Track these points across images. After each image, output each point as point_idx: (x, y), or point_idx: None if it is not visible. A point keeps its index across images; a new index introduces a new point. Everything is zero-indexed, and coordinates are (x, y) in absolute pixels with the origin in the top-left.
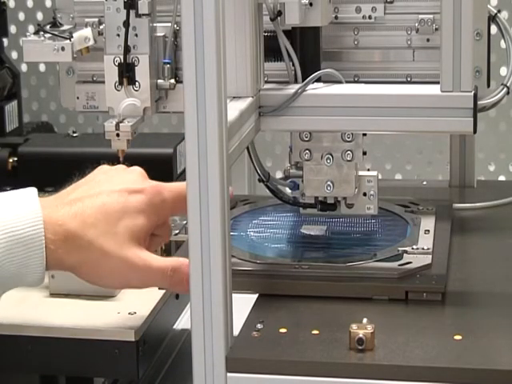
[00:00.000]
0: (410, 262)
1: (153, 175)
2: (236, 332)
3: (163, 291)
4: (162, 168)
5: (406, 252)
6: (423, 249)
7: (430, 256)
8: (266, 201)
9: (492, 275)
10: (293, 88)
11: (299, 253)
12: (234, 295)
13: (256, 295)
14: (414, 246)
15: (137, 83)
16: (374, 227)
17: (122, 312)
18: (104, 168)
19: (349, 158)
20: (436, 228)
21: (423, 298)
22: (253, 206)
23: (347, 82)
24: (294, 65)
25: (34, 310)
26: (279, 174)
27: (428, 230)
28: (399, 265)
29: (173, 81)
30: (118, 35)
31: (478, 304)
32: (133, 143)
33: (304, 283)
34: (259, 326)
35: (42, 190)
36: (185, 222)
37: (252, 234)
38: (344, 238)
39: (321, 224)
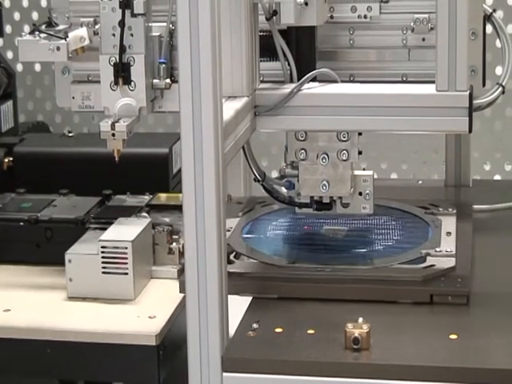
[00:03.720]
0: (434, 265)
1: (148, 175)
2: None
3: (182, 294)
4: (157, 168)
5: (429, 254)
6: (446, 251)
7: (454, 259)
8: None
9: None
10: (288, 87)
11: (321, 255)
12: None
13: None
14: (437, 249)
15: (132, 83)
16: (394, 229)
17: (142, 316)
18: None
19: (344, 158)
20: (457, 230)
21: (448, 301)
22: (271, 208)
23: (343, 81)
24: (289, 64)
25: (53, 313)
26: (275, 174)
27: (450, 232)
28: (423, 267)
29: (168, 80)
30: (114, 35)
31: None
32: (128, 143)
33: (327, 286)
34: (255, 325)
35: (37, 192)
36: None
37: (272, 236)
38: (365, 240)
39: (341, 225)
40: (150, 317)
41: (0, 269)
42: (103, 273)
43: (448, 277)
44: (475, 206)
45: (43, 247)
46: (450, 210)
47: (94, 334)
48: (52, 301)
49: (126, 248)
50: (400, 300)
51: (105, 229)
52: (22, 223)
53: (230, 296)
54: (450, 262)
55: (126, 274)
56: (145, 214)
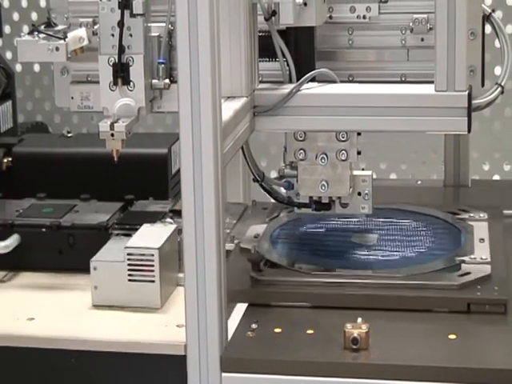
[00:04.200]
0: (469, 273)
1: (147, 175)
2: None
3: None
4: (156, 168)
5: (463, 262)
6: (481, 258)
7: (489, 266)
8: None
9: None
10: (287, 88)
11: (352, 263)
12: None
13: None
14: (472, 256)
15: (131, 83)
16: (426, 236)
17: (170, 325)
18: None
19: (343, 158)
20: (490, 236)
21: (486, 310)
22: (297, 214)
23: (342, 81)
24: (288, 64)
25: (78, 322)
26: (274, 174)
27: (483, 239)
28: (459, 275)
29: (167, 81)
30: (113, 35)
31: None
32: (127, 143)
33: (360, 295)
34: (254, 325)
35: (34, 196)
36: (228, 230)
37: (301, 243)
38: (397, 247)
39: (371, 232)
40: (177, 325)
41: (22, 276)
42: (129, 280)
43: (484, 285)
44: (505, 212)
45: (66, 253)
46: (482, 215)
47: (120, 344)
48: (76, 309)
49: (153, 255)
50: (435, 309)
51: (129, 235)
52: (43, 229)
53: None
54: (486, 270)
55: (153, 281)
56: (169, 219)
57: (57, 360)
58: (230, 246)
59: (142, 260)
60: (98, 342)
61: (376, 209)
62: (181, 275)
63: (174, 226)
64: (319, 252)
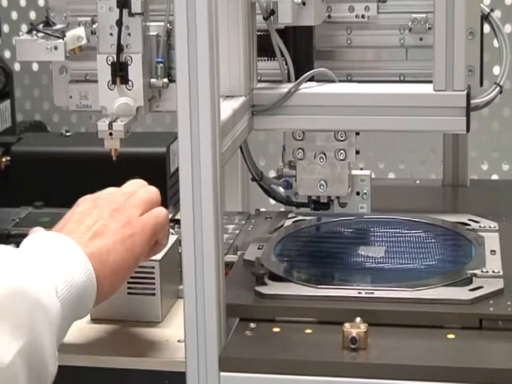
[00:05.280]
0: (482, 287)
1: (146, 174)
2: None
3: None
4: (155, 167)
5: (475, 275)
6: (493, 272)
7: (502, 280)
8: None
9: None
10: (286, 87)
11: (360, 276)
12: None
13: None
14: (484, 269)
15: (130, 82)
16: (435, 247)
17: (171, 340)
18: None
19: (342, 157)
20: (501, 248)
21: (499, 327)
22: (302, 224)
23: (340, 81)
24: (287, 64)
25: (76, 337)
26: (272, 174)
27: (494, 251)
28: (470, 290)
29: (166, 80)
30: (111, 34)
31: None
32: (126, 142)
33: (367, 309)
34: (252, 325)
35: (31, 205)
36: (231, 241)
37: (305, 254)
38: (405, 260)
39: (378, 244)
40: (179, 341)
41: None
42: (129, 293)
43: (497, 300)
44: None
45: None
46: (492, 226)
47: (119, 360)
48: (75, 323)
49: (153, 267)
50: (446, 325)
51: None
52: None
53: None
54: (499, 284)
55: (153, 294)
56: (171, 230)
57: (58, 377)
58: (233, 258)
59: (142, 272)
60: (95, 357)
61: (383, 220)
62: (181, 287)
63: (174, 237)
64: (325, 264)
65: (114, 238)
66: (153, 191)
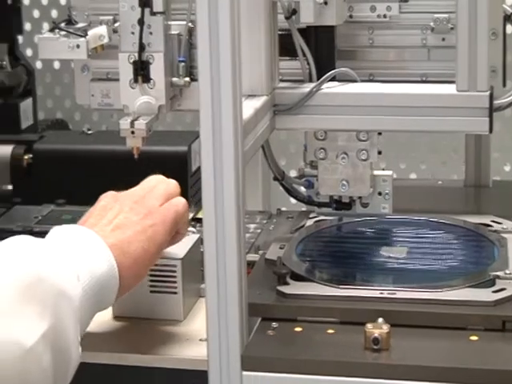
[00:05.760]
0: (505, 289)
1: (167, 173)
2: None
3: None
4: (176, 166)
5: (498, 277)
6: None
7: None
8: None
9: None
10: (308, 87)
11: (382, 277)
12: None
13: None
14: (507, 271)
15: (151, 81)
16: (457, 248)
17: (192, 338)
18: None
19: (364, 157)
20: None
21: None
22: (324, 224)
23: (362, 80)
24: (308, 63)
25: (98, 334)
26: (293, 173)
27: None
28: (493, 291)
29: (187, 79)
30: (133, 33)
31: None
32: (147, 141)
33: (389, 310)
34: (274, 324)
35: (53, 202)
36: (253, 240)
37: (327, 254)
38: (427, 261)
39: (400, 244)
40: (201, 339)
41: None
42: (151, 292)
43: None
44: None
45: None
46: None
47: (141, 358)
48: (96, 320)
49: (175, 266)
50: (469, 327)
51: None
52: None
53: None
54: None
55: (175, 293)
56: (192, 228)
57: (78, 374)
58: (254, 257)
59: (164, 271)
60: (116, 355)
61: (405, 220)
62: (203, 286)
63: (196, 236)
64: (347, 265)
65: (135, 229)
66: (172, 184)
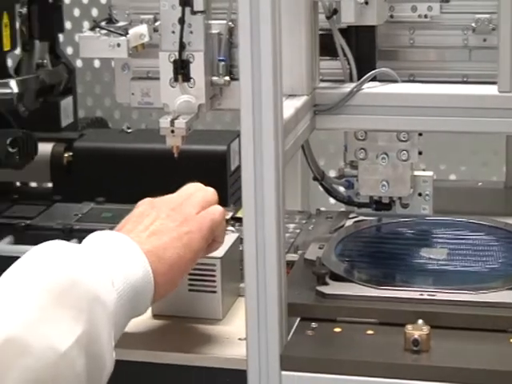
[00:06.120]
0: None
1: (206, 172)
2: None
3: None
4: (215, 165)
5: None
6: None
7: None
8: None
9: None
10: (348, 87)
11: (421, 278)
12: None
13: None
14: None
15: (192, 80)
16: (498, 250)
17: (231, 337)
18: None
19: (404, 158)
20: None
21: None
22: (363, 224)
23: (403, 81)
24: (349, 63)
25: (137, 332)
26: (332, 173)
27: None
28: None
29: (227, 78)
30: (174, 32)
31: None
32: (187, 140)
33: (428, 312)
34: (314, 324)
35: (93, 200)
36: (292, 240)
37: (366, 255)
38: (467, 263)
39: (440, 246)
40: (239, 338)
41: None
42: (190, 290)
43: None
44: None
45: None
46: None
47: (180, 356)
48: (136, 319)
49: (215, 265)
50: (510, 329)
51: None
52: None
53: None
54: None
55: (214, 292)
56: (231, 227)
57: (118, 372)
58: (293, 257)
59: (203, 270)
60: (157, 353)
61: (445, 221)
62: (242, 285)
63: (235, 235)
64: (387, 265)
65: (171, 235)
66: (210, 192)
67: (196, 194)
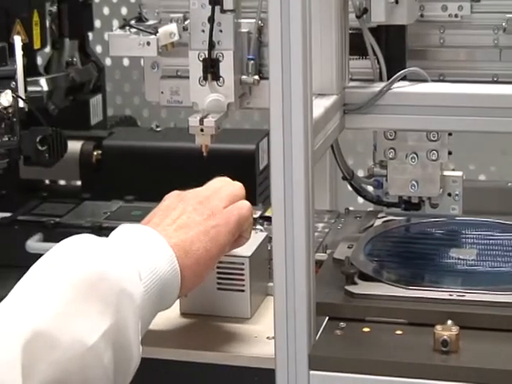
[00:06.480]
0: None
1: (235, 171)
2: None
3: None
4: (244, 164)
5: None
6: None
7: None
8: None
9: None
10: (378, 86)
11: (451, 278)
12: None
13: None
14: None
15: (221, 79)
16: None
17: (259, 336)
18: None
19: (434, 158)
20: None
21: None
22: (392, 224)
23: (433, 80)
24: (379, 63)
25: (165, 330)
26: (361, 173)
27: None
28: None
29: (256, 77)
30: (203, 31)
31: None
32: (216, 139)
33: (458, 312)
34: (342, 324)
35: (122, 198)
36: (321, 239)
37: (396, 255)
38: (497, 263)
39: (470, 246)
40: (268, 337)
41: None
42: (218, 289)
43: None
44: None
45: None
46: None
47: (208, 354)
48: (163, 316)
49: (243, 264)
50: None
51: None
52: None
53: None
54: None
55: (243, 290)
56: (260, 226)
57: (146, 370)
58: (322, 256)
59: (231, 268)
60: (184, 352)
61: (474, 222)
62: (271, 284)
63: (264, 234)
64: (416, 265)
65: (198, 229)
66: (237, 186)
67: (223, 188)
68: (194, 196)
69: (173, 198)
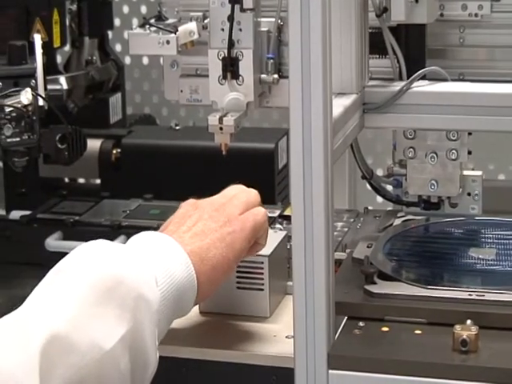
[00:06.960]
0: None
1: (254, 170)
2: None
3: None
4: (263, 163)
5: None
6: None
7: None
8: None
9: None
10: (397, 85)
11: (470, 278)
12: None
13: None
14: None
15: (240, 77)
16: None
17: (278, 335)
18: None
19: (453, 157)
20: None
21: None
22: (411, 223)
23: (452, 80)
24: (398, 62)
25: (184, 329)
26: (380, 172)
27: None
28: None
29: (276, 76)
30: (223, 29)
31: None
32: (235, 137)
33: (477, 312)
34: (361, 323)
35: (141, 197)
36: (340, 239)
37: (416, 255)
38: None
39: (489, 246)
40: (287, 336)
41: None
42: (237, 288)
43: None
44: None
45: None
46: None
47: (227, 353)
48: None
49: (262, 263)
50: None
51: None
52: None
53: None
54: None
55: (262, 289)
56: (279, 225)
57: (167, 369)
58: (341, 256)
59: (251, 267)
60: (203, 350)
61: (494, 221)
62: (290, 283)
63: (284, 233)
64: (435, 265)
65: (214, 236)
66: (253, 193)
67: (239, 195)
68: (210, 203)
69: (188, 205)
